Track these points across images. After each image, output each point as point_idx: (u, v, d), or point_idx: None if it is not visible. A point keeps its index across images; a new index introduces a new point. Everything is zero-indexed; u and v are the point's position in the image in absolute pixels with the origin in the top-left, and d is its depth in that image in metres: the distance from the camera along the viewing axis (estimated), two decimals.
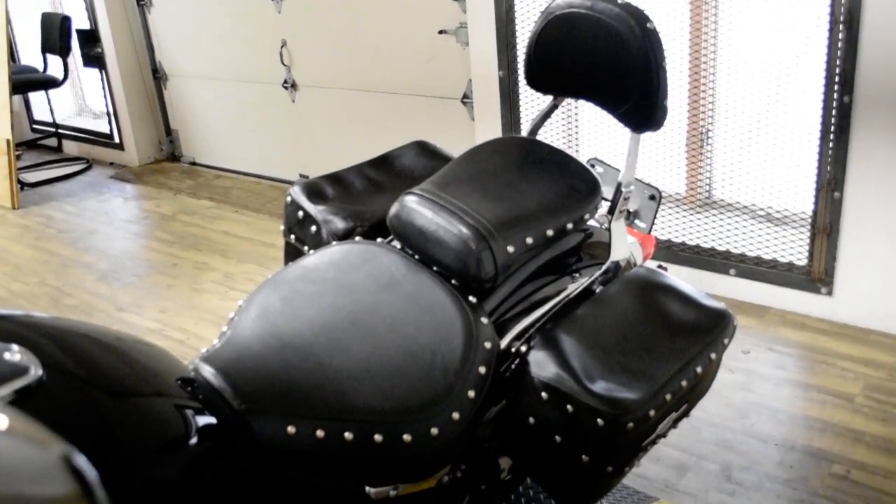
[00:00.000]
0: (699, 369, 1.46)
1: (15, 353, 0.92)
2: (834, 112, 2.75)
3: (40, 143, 6.28)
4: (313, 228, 1.71)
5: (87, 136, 6.03)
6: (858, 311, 2.93)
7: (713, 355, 1.50)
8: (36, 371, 0.91)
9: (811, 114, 2.89)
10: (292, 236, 1.77)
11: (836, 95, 2.73)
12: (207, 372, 1.24)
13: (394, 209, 1.55)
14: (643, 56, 1.52)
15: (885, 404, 2.53)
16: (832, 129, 2.78)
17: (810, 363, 2.79)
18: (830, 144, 2.80)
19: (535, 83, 1.77)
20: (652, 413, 1.37)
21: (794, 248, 3.04)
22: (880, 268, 2.84)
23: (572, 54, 1.66)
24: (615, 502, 2.14)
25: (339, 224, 1.68)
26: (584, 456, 1.37)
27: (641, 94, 1.55)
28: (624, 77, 1.56)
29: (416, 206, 1.51)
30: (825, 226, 2.90)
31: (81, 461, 0.47)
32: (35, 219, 4.89)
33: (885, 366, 2.71)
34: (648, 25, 1.52)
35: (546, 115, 1.83)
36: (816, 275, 2.98)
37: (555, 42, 1.68)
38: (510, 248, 1.46)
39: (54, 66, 5.60)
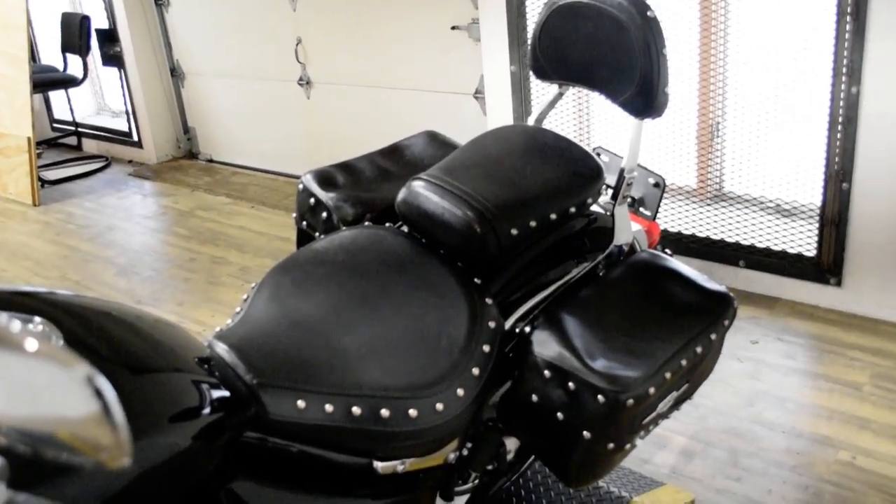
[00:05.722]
0: (699, 349, 1.50)
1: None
2: (842, 103, 2.77)
3: (60, 141, 6.36)
4: (324, 215, 1.75)
5: (106, 134, 6.11)
6: (867, 301, 2.95)
7: (713, 336, 1.54)
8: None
9: (819, 105, 2.91)
10: (304, 223, 1.82)
11: (843, 86, 2.75)
12: (221, 348, 1.28)
13: (401, 194, 1.60)
14: (644, 44, 1.56)
15: (893, 392, 2.54)
16: (840, 119, 2.80)
17: (819, 353, 2.81)
18: (838, 135, 2.82)
19: (540, 72, 1.81)
20: (652, 391, 1.40)
21: (802, 240, 3.06)
22: (889, 258, 2.86)
23: (575, 43, 1.70)
24: (623, 486, 2.17)
25: (349, 210, 1.73)
26: (585, 432, 1.41)
27: (642, 81, 1.59)
28: (625, 65, 1.60)
29: (422, 191, 1.56)
30: (834, 217, 2.92)
31: (102, 382, 0.52)
32: (55, 215, 4.97)
33: (893, 355, 2.73)
34: (649, 14, 1.56)
35: (552, 103, 1.87)
36: (825, 266, 3.00)
37: (558, 32, 1.72)
38: (513, 231, 1.50)
39: (74, 66, 5.68)
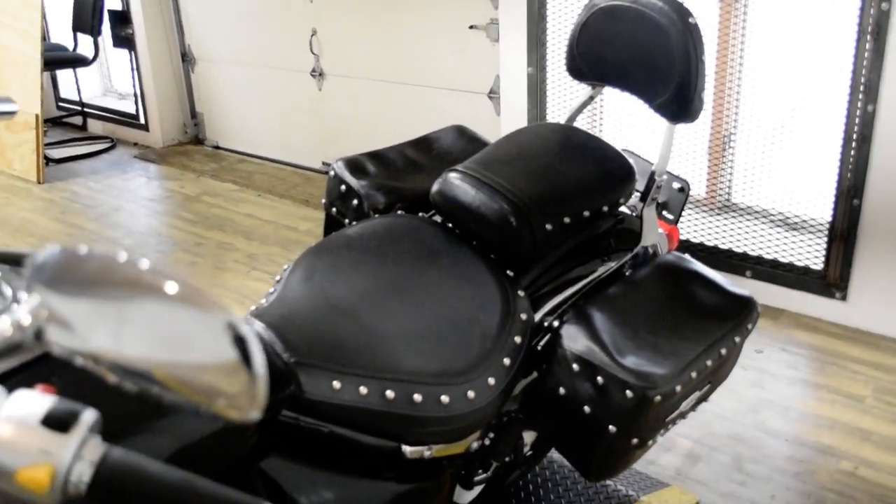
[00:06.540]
0: (723, 351, 1.53)
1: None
2: (857, 120, 2.81)
3: (65, 120, 6.35)
4: (355, 202, 1.77)
5: (112, 115, 6.10)
6: (872, 316, 2.98)
7: (737, 339, 1.57)
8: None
9: (834, 121, 2.94)
10: (334, 209, 1.83)
11: (860, 104, 2.78)
12: (258, 326, 1.30)
13: (437, 185, 1.62)
14: (684, 49, 1.58)
15: (895, 406, 2.58)
16: (854, 137, 2.83)
17: (822, 364, 2.84)
18: (852, 152, 2.85)
19: (576, 72, 1.84)
20: (678, 389, 1.43)
21: (810, 253, 3.10)
22: (895, 275, 2.90)
23: (615, 46, 1.72)
24: (630, 486, 2.20)
25: (380, 199, 1.75)
26: (610, 427, 1.43)
27: (680, 86, 1.61)
28: (664, 69, 1.63)
29: (459, 183, 1.58)
30: (843, 232, 2.95)
31: (244, 329, 0.53)
32: (60, 194, 4.96)
33: (895, 370, 2.76)
34: (690, 20, 1.59)
35: (584, 104, 1.90)
36: (832, 280, 3.03)
37: (598, 33, 1.75)
38: (548, 226, 1.52)
39: (83, 46, 5.66)
